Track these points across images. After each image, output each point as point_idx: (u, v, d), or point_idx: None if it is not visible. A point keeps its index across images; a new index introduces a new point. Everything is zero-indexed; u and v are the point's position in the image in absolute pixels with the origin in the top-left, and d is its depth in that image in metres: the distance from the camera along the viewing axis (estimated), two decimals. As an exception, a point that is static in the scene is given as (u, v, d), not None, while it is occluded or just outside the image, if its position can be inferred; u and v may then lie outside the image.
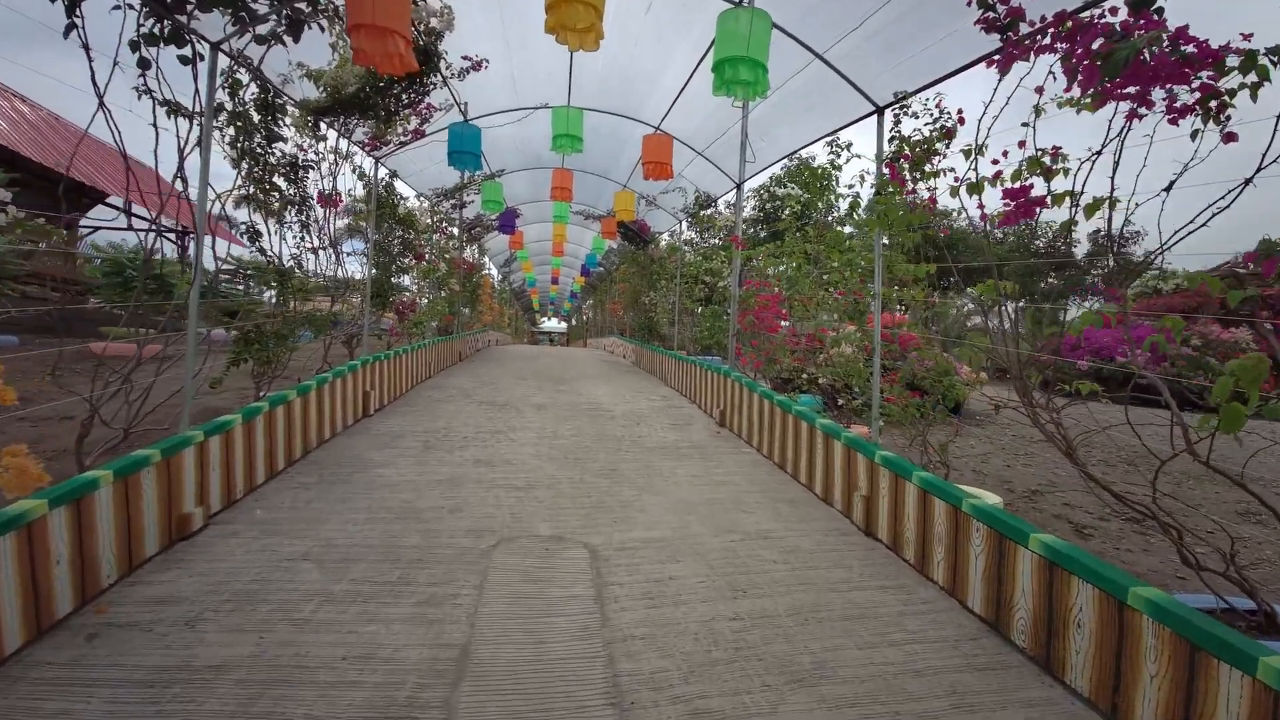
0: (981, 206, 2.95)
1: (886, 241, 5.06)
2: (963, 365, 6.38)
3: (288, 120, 4.68)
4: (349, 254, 6.38)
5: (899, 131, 3.70)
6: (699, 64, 5.96)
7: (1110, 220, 2.43)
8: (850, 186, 4.77)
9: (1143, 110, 2.41)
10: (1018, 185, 2.76)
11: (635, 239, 13.97)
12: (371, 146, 6.43)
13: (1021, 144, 2.92)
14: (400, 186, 8.25)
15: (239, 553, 3.19)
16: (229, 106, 4.07)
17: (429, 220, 9.67)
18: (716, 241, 11.83)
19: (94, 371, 3.43)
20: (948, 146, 3.33)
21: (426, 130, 6.78)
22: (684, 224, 11.00)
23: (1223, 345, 8.32)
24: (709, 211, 10.03)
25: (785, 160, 6.49)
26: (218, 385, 4.21)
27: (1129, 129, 2.49)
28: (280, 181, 4.77)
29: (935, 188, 3.40)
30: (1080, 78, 2.59)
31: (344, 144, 5.79)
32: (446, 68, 5.50)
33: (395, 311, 8.33)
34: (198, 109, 3.69)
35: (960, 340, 4.40)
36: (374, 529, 3.54)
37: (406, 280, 9.03)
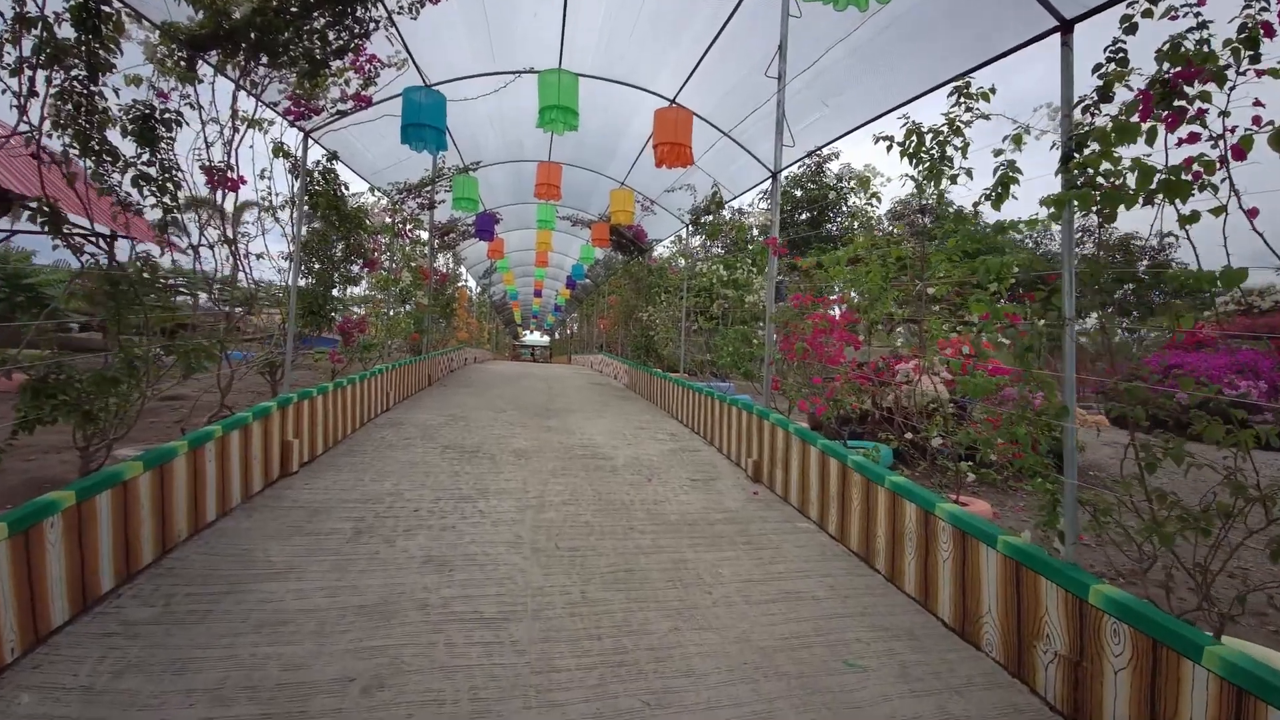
0: None
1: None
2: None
3: (138, 49, 3.10)
4: (257, 256, 4.72)
5: (1124, 48, 2.24)
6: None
7: None
8: (997, 153, 3.14)
9: None
10: None
11: (630, 247, 12.49)
12: (297, 115, 4.83)
13: None
14: (351, 179, 6.66)
15: None
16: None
17: (389, 220, 8.05)
18: (719, 251, 10.39)
19: None
20: (1256, 55, 1.86)
21: (374, 97, 5.22)
22: (688, 228, 9.51)
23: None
24: (712, 219, 8.52)
25: (853, 131, 5.00)
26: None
27: None
28: (125, 143, 3.15)
29: (1232, 129, 1.93)
30: None
31: (251, 104, 4.19)
32: (392, -3, 3.95)
33: (340, 331, 6.68)
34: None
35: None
36: (210, 752, 1.92)
37: (357, 292, 7.39)
